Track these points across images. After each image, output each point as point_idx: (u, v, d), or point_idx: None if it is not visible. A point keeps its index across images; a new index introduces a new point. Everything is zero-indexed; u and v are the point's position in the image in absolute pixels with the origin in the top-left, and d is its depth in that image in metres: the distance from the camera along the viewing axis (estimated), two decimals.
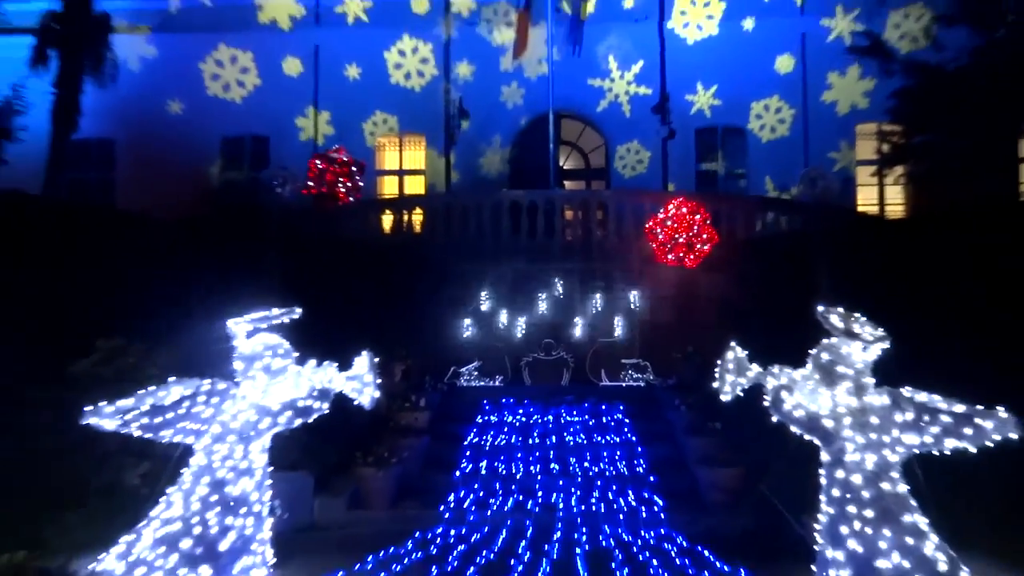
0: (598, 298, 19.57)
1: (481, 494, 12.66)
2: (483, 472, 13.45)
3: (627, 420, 15.38)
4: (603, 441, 14.56)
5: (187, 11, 27.20)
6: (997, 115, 15.16)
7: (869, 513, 6.82)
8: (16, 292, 12.86)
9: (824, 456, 7.20)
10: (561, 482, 13.06)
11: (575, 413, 15.78)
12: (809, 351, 7.33)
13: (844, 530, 6.89)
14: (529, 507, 12.22)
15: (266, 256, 16.75)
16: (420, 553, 9.43)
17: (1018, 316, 12.26)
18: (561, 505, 12.27)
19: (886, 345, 7.06)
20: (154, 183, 24.72)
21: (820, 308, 7.24)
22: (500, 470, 13.52)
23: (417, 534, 10.41)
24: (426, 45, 26.82)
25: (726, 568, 8.37)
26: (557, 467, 13.64)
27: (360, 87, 26.65)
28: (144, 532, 7.16)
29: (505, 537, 10.26)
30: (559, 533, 10.55)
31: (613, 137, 26.91)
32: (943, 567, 6.59)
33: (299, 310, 7.79)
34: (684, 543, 9.84)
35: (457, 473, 13.42)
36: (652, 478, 13.12)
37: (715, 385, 7.65)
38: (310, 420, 7.80)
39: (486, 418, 15.61)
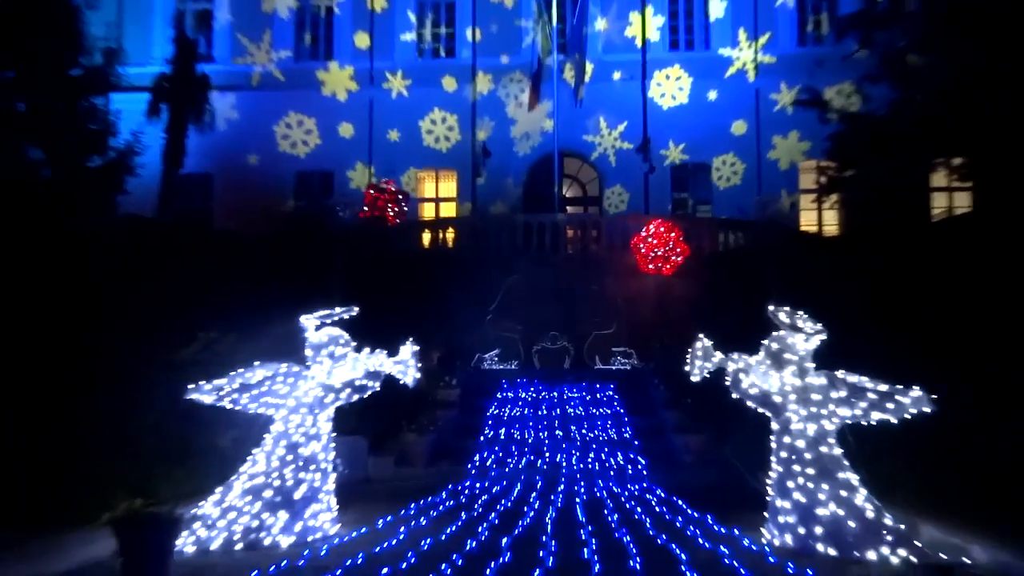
0: (593, 299, 19.53)
1: (500, 455, 12.66)
2: (502, 437, 13.46)
3: (616, 396, 15.37)
4: (597, 413, 14.55)
5: (265, 82, 27.36)
6: (911, 153, 15.09)
7: (810, 471, 6.78)
8: (135, 294, 12.94)
9: (774, 425, 7.17)
10: (564, 445, 13.06)
11: (575, 391, 15.77)
12: (762, 341, 7.30)
13: (790, 484, 6.86)
14: (539, 465, 12.22)
15: (330, 266, 16.82)
16: (452, 501, 9.42)
17: (927, 314, 12.19)
18: (564, 464, 12.26)
19: (823, 337, 7.03)
20: (242, 209, 24.77)
21: (770, 307, 7.21)
22: (515, 436, 13.53)
23: (449, 486, 10.40)
24: (452, 116, 26.88)
25: (696, 514, 8.32)
26: (561, 433, 13.64)
27: (399, 147, 26.70)
28: (234, 484, 7.18)
29: (520, 489, 10.24)
30: (563, 486, 10.52)
31: (603, 178, 26.94)
32: (870, 514, 6.55)
33: (356, 309, 7.80)
34: (662, 494, 9.79)
35: (481, 438, 13.44)
36: (636, 442, 13.10)
37: (687, 368, 7.62)
38: (365, 396, 7.81)
39: (504, 394, 15.62)
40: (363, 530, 7.68)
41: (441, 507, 9.00)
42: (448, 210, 26.98)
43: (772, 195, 25.15)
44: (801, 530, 6.72)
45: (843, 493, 6.65)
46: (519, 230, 21.10)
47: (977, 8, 12.94)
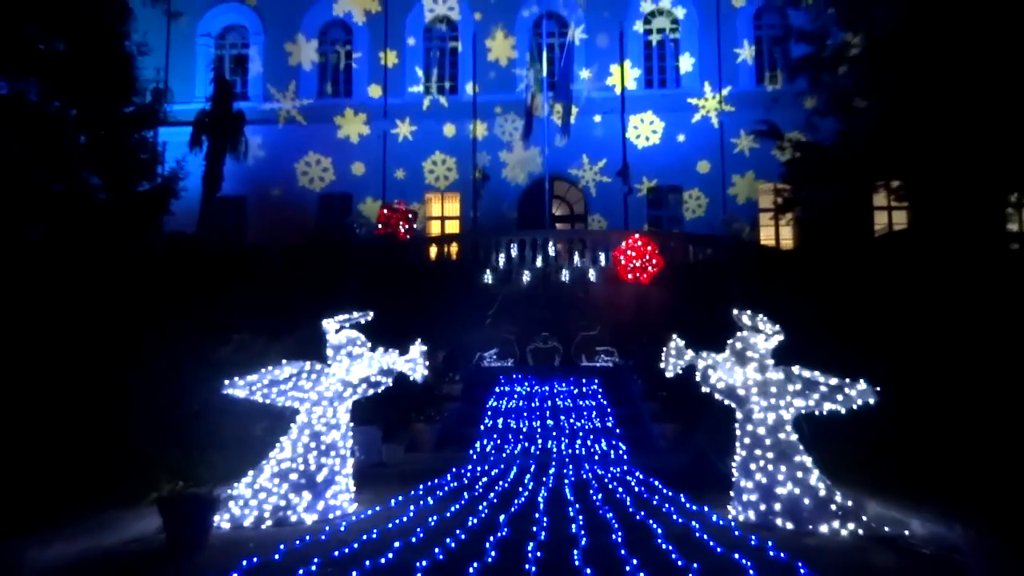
0: (579, 304, 19.50)
1: (498, 441, 12.62)
2: (499, 426, 13.41)
3: (600, 390, 15.33)
4: (583, 404, 14.51)
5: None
6: (855, 177, 15.12)
7: (770, 455, 6.76)
8: (178, 301, 12.89)
9: (738, 415, 7.15)
10: (554, 433, 13.02)
11: (564, 385, 15.74)
12: (727, 341, 7.29)
13: (753, 467, 6.83)
14: (532, 451, 12.19)
15: (348, 276, 16.79)
16: (456, 483, 9.38)
17: (870, 317, 12.19)
18: (554, 449, 12.23)
19: (781, 337, 7.03)
20: (271, 226, 24.81)
21: (735, 311, 7.19)
22: (511, 425, 13.49)
23: (453, 469, 10.35)
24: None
25: (671, 493, 8.29)
26: (551, 423, 13.60)
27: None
28: (265, 468, 7.14)
29: (515, 472, 10.20)
30: (553, 469, 10.48)
31: (587, 204, 27.03)
32: (822, 493, 6.53)
33: (371, 313, 7.78)
34: (641, 476, 9.76)
35: (481, 427, 13.39)
36: (618, 430, 13.06)
37: (662, 365, 7.59)
38: (379, 390, 7.78)
39: (501, 388, 15.59)
40: (377, 508, 7.63)
41: (446, 488, 8.95)
42: (452, 227, 26.96)
43: (735, 214, 25.19)
44: (762, 507, 6.69)
45: (799, 474, 6.62)
46: (514, 244, 21.09)
47: (909, 54, 13.00)
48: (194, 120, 22.90)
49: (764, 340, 7.02)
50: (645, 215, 26.35)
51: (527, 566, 5.15)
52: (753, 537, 6.00)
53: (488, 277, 20.00)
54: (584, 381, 15.83)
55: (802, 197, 16.91)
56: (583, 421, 13.58)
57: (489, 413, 14.00)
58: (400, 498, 8.19)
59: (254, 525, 6.78)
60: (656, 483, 9.03)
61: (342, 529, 6.62)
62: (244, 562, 5.26)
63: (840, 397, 6.64)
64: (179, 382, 9.84)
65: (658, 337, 9.80)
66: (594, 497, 8.04)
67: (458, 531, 6.24)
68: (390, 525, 6.67)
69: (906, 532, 6.10)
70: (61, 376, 9.43)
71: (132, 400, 9.36)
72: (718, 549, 5.65)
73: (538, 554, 5.49)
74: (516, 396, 15.05)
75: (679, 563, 5.23)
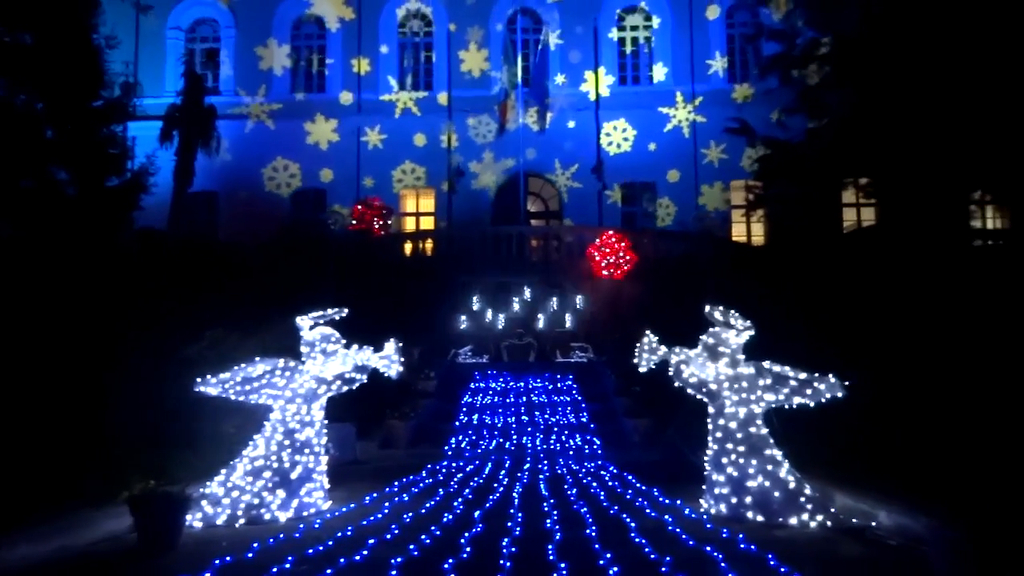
0: (554, 300, 19.55)
1: (473, 437, 12.61)
2: (474, 422, 13.40)
3: (575, 385, 15.37)
4: (558, 400, 14.54)
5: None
6: (824, 174, 15.32)
7: (741, 448, 6.84)
8: (149, 298, 12.72)
9: (710, 409, 7.22)
10: (529, 429, 13.03)
11: (538, 381, 15.75)
12: (699, 336, 7.35)
13: (724, 460, 6.91)
14: (507, 447, 12.18)
15: (322, 272, 16.67)
16: (430, 479, 9.37)
17: (839, 312, 12.35)
18: (529, 445, 12.24)
19: (752, 332, 7.11)
20: (244, 221, 24.47)
21: (707, 307, 7.26)
22: (486, 421, 13.48)
23: (428, 466, 10.33)
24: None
25: (644, 487, 8.35)
26: (526, 418, 13.61)
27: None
28: (237, 466, 7.09)
29: (490, 468, 10.20)
30: (528, 464, 10.51)
31: (561, 203, 27.09)
32: (792, 485, 6.62)
33: (346, 310, 7.74)
34: (615, 470, 9.81)
35: (456, 423, 13.37)
36: (592, 425, 13.11)
37: (635, 360, 7.64)
38: (354, 387, 7.75)
39: (476, 385, 15.55)
40: (352, 506, 7.61)
41: (421, 484, 8.94)
42: (427, 223, 26.84)
43: (707, 211, 25.40)
44: (734, 500, 6.77)
45: (769, 467, 6.71)
46: (489, 240, 21.07)
47: (875, 54, 13.19)
48: (164, 114, 22.53)
49: (735, 335, 7.09)
50: (619, 213, 26.46)
51: (502, 561, 5.16)
52: (724, 530, 6.08)
53: (463, 273, 19.97)
54: (559, 377, 15.86)
55: (772, 194, 17.08)
56: (557, 417, 13.61)
57: (464, 409, 13.97)
58: (375, 495, 8.16)
59: (227, 523, 6.72)
60: (630, 478, 9.09)
61: (316, 527, 6.59)
62: (217, 561, 5.22)
63: (809, 391, 6.74)
64: (151, 380, 9.73)
65: (632, 333, 9.87)
66: (568, 492, 8.07)
67: (433, 527, 6.23)
68: (365, 522, 6.65)
69: (873, 524, 6.21)
70: (31, 374, 9.28)
71: (104, 398, 9.24)
72: (690, 542, 5.71)
73: (513, 549, 5.50)
74: (491, 392, 15.04)
75: (652, 556, 5.28)
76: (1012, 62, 11.75)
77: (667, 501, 7.54)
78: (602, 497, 7.79)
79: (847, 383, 6.68)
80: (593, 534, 5.97)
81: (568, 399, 14.55)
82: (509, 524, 6.39)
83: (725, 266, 17.43)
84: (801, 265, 14.91)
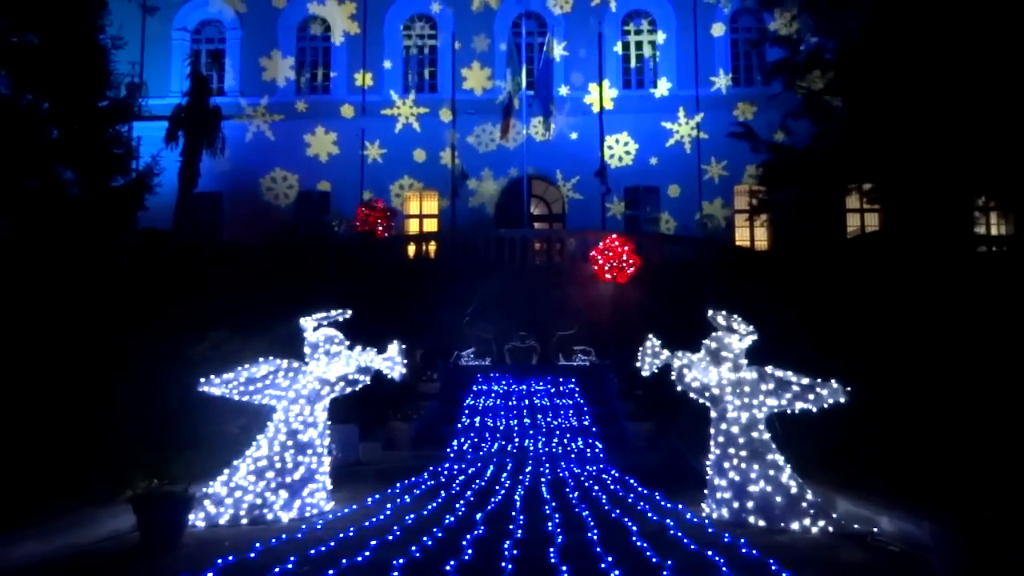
0: (557, 303, 19.54)
1: (475, 440, 12.62)
2: (476, 425, 13.41)
3: (577, 389, 15.38)
4: (560, 403, 14.55)
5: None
6: (828, 179, 15.31)
7: (743, 453, 6.84)
8: (153, 298, 12.75)
9: (712, 414, 7.22)
10: (531, 432, 13.04)
11: (541, 384, 15.76)
12: (702, 341, 7.35)
13: (726, 465, 6.91)
14: (509, 449, 12.19)
15: (326, 274, 16.70)
16: (433, 481, 9.38)
17: (842, 317, 12.34)
18: (531, 448, 12.24)
19: (755, 337, 7.11)
20: (248, 222, 24.54)
21: (710, 311, 7.27)
22: (488, 423, 13.49)
23: (431, 468, 10.35)
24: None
25: (646, 491, 8.35)
26: (528, 421, 13.62)
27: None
28: (240, 466, 7.10)
29: (492, 470, 10.21)
30: (530, 467, 10.51)
31: (564, 205, 27.16)
32: (794, 491, 6.62)
33: (349, 312, 7.76)
34: (617, 474, 9.82)
35: (459, 425, 13.38)
36: (594, 429, 13.11)
37: (637, 364, 7.64)
38: (357, 388, 7.77)
39: (479, 387, 15.57)
40: (354, 507, 7.62)
41: (423, 486, 8.95)
42: (431, 225, 26.87)
43: (711, 215, 25.42)
44: (735, 504, 6.77)
45: (771, 472, 6.71)
46: (492, 243, 21.09)
47: (880, 61, 13.20)
48: (170, 115, 22.60)
49: (738, 340, 7.09)
50: (622, 214, 26.49)
51: (503, 564, 5.17)
52: (726, 534, 6.08)
53: (466, 276, 19.99)
54: (561, 380, 15.87)
55: (776, 199, 17.08)
56: (560, 420, 13.62)
57: (467, 411, 13.98)
58: (377, 496, 8.18)
59: (230, 523, 6.74)
60: (631, 481, 9.09)
61: (319, 527, 6.60)
62: (219, 561, 5.24)
63: (812, 396, 6.74)
64: (155, 380, 9.75)
65: (635, 336, 9.88)
66: (570, 495, 8.08)
67: (435, 529, 6.25)
68: (367, 523, 6.66)
69: (875, 529, 6.20)
70: (35, 373, 9.30)
71: (107, 397, 9.25)
72: (692, 546, 5.71)
73: (514, 552, 5.51)
74: (493, 395, 15.05)
75: (653, 560, 5.28)
76: (1015, 67, 11.75)
77: (669, 505, 7.53)
78: (604, 500, 7.79)
79: (850, 388, 6.68)
80: (595, 537, 5.97)
81: (570, 402, 14.54)
82: (511, 527, 6.40)
83: (728, 270, 17.44)
84: (805, 270, 14.92)
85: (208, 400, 7.63)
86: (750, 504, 6.66)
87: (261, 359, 7.43)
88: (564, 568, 5.04)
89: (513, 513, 7.03)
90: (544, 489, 8.48)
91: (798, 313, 12.70)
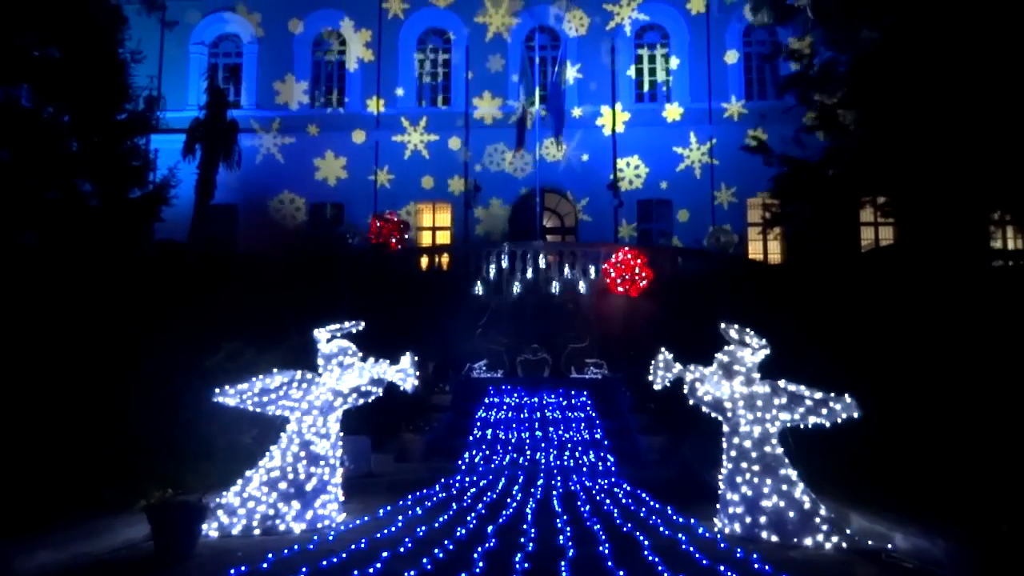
0: (569, 315, 19.52)
1: (487, 452, 12.60)
2: (488, 437, 13.39)
3: (589, 402, 15.32)
4: (572, 416, 14.50)
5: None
6: (842, 193, 15.28)
7: (756, 467, 6.80)
8: (169, 309, 12.86)
9: (725, 428, 7.19)
10: (543, 445, 13.00)
11: (553, 396, 15.71)
12: (715, 354, 7.34)
13: (739, 479, 6.87)
14: (521, 462, 12.16)
15: (340, 286, 16.78)
16: (444, 493, 9.37)
17: (855, 331, 12.27)
18: (543, 461, 12.21)
19: (768, 351, 7.09)
20: (263, 234, 24.70)
21: (722, 325, 7.25)
22: (500, 436, 13.46)
23: (442, 480, 10.34)
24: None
25: (658, 505, 8.32)
26: (540, 434, 13.58)
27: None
28: (254, 476, 7.13)
29: (504, 483, 10.20)
30: (542, 480, 10.49)
31: (576, 219, 27.22)
32: (807, 506, 6.58)
33: (363, 323, 7.80)
34: (628, 488, 9.77)
35: (471, 437, 13.36)
36: (606, 442, 13.06)
37: (650, 378, 7.63)
38: (370, 400, 7.80)
39: (491, 399, 15.54)
40: (366, 518, 7.63)
41: (435, 498, 8.95)
42: (444, 237, 26.94)
43: (723, 228, 25.36)
44: (748, 519, 6.73)
45: (784, 487, 6.67)
46: (505, 256, 21.12)
47: (893, 74, 13.19)
48: (188, 128, 22.84)
49: (751, 354, 7.08)
50: (635, 227, 26.51)
51: None
52: (739, 550, 6.04)
53: (479, 288, 20.03)
54: (573, 393, 15.82)
55: (790, 212, 17.04)
56: (571, 433, 13.57)
57: (478, 424, 13.97)
58: (388, 508, 8.18)
59: (242, 534, 6.77)
60: (643, 495, 9.05)
61: (330, 539, 6.62)
62: (232, 570, 5.26)
63: (825, 411, 6.70)
64: (170, 390, 9.83)
65: (647, 349, 9.87)
66: (582, 509, 8.05)
67: (446, 542, 6.24)
68: (378, 535, 6.67)
69: (889, 546, 6.15)
70: (52, 383, 9.40)
71: (122, 407, 9.33)
72: (704, 561, 5.68)
73: (526, 565, 5.51)
74: (505, 407, 15.02)
75: (665, 575, 5.26)
76: None
77: (681, 519, 7.50)
78: (615, 514, 7.76)
79: (863, 403, 6.64)
80: (606, 551, 5.96)
81: (582, 415, 14.50)
82: (522, 540, 6.39)
83: (741, 284, 17.38)
84: (818, 284, 14.86)
85: (222, 410, 7.69)
86: (763, 519, 6.62)
87: (275, 370, 7.48)
88: None
89: (525, 526, 7.01)
90: (556, 502, 8.46)
91: (811, 327, 12.64)
